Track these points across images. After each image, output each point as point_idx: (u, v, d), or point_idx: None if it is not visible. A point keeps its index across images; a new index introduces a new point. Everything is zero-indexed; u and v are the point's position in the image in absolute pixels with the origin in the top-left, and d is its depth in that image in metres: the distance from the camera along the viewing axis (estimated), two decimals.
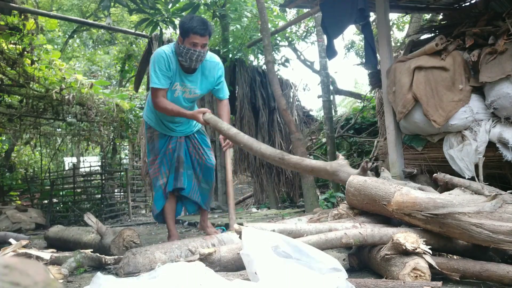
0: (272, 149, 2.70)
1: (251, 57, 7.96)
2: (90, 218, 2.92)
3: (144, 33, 8.22)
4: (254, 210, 7.15)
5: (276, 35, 8.15)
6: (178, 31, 3.29)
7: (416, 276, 1.73)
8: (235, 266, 1.99)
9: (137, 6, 4.79)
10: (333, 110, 10.29)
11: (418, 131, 3.90)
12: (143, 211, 10.33)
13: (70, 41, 14.45)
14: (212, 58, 3.18)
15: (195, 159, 3.39)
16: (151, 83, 2.99)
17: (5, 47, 5.75)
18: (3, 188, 8.17)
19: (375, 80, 4.91)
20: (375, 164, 3.83)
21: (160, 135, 3.29)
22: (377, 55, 5.21)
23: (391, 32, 7.19)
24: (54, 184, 7.96)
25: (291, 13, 11.12)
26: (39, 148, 9.79)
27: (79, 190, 8.45)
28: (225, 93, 3.31)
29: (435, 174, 2.95)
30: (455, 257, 2.13)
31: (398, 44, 9.84)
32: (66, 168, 13.19)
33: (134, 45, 12.69)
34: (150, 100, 3.23)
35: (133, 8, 4.85)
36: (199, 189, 3.44)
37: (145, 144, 3.43)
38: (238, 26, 6.70)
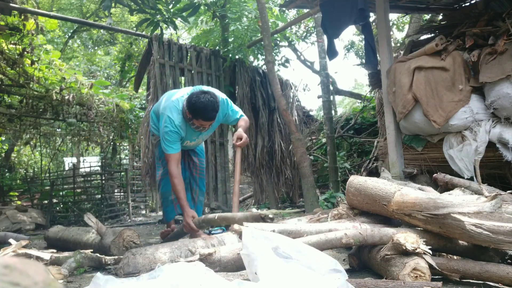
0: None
1: (251, 57, 7.95)
2: (90, 218, 2.92)
3: (144, 33, 8.22)
4: (254, 210, 7.15)
5: (276, 35, 8.15)
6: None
7: (416, 277, 1.73)
8: (235, 266, 1.99)
9: (138, 6, 4.79)
10: (333, 110, 10.28)
11: (418, 131, 3.90)
12: (143, 211, 10.33)
13: (70, 41, 14.44)
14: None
15: (194, 172, 3.39)
16: (166, 151, 2.87)
17: (5, 47, 5.74)
18: (3, 188, 8.16)
19: (375, 80, 4.91)
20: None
21: None
22: (377, 55, 5.21)
23: (391, 33, 7.18)
24: (54, 184, 7.95)
25: (291, 13, 11.11)
26: (39, 148, 9.78)
27: (79, 190, 8.44)
28: (235, 117, 3.16)
29: (435, 175, 2.96)
30: (455, 257, 2.13)
31: (398, 44, 9.84)
32: (66, 168, 13.18)
33: (134, 45, 12.68)
34: (162, 119, 3.14)
35: (134, 8, 4.85)
36: (199, 202, 3.46)
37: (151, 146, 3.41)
38: (239, 27, 6.69)
